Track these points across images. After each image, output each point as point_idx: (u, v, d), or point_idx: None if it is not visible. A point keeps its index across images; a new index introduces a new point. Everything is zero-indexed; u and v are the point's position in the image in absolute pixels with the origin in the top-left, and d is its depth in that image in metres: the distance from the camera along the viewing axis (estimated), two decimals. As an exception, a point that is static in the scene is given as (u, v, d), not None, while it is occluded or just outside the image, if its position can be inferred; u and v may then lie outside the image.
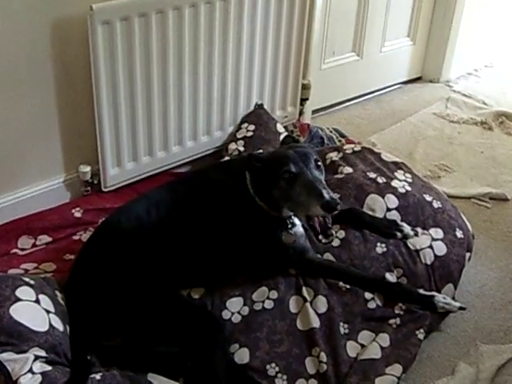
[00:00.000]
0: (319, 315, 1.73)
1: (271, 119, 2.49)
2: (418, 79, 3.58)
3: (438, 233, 1.96)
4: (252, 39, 2.37)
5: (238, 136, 2.43)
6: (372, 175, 2.10)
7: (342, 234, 1.92)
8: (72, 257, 1.91)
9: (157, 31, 2.06)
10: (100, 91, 2.02)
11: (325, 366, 1.62)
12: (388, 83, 3.41)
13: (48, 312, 1.53)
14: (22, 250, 1.98)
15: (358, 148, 2.30)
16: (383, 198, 2.02)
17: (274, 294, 1.76)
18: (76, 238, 2.04)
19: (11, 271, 1.84)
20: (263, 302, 1.75)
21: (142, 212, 1.77)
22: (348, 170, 2.17)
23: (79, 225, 2.08)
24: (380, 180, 2.08)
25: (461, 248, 1.95)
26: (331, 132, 2.79)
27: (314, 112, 3.00)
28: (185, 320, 1.62)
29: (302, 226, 1.80)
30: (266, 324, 1.70)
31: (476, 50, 3.62)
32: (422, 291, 1.83)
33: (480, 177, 2.66)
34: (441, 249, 1.92)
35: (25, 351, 1.42)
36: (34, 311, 1.51)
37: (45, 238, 2.02)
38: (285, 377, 1.61)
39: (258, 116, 2.48)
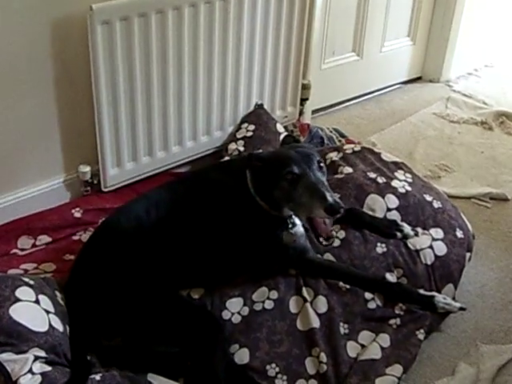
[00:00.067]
0: (319, 315, 1.73)
1: (271, 119, 2.49)
2: (418, 79, 3.57)
3: (438, 233, 1.96)
4: (252, 39, 2.37)
5: (238, 136, 2.43)
6: (372, 175, 2.10)
7: (342, 234, 1.92)
8: (72, 257, 1.91)
9: (156, 31, 2.06)
10: (100, 91, 2.02)
11: (325, 367, 1.62)
12: (388, 83, 3.41)
13: (48, 312, 1.53)
14: (22, 250, 1.98)
15: (357, 148, 2.30)
16: (383, 198, 2.01)
17: (274, 295, 1.76)
18: (76, 238, 2.04)
19: (11, 271, 1.84)
20: (263, 302, 1.75)
21: (142, 212, 1.77)
22: (348, 170, 2.17)
23: (79, 225, 2.08)
24: (380, 180, 2.08)
25: (461, 248, 1.95)
26: (331, 132, 2.79)
27: (313, 112, 3.00)
28: (185, 320, 1.62)
29: (303, 225, 1.79)
30: (266, 324, 1.70)
31: (476, 50, 3.62)
32: (422, 291, 1.82)
33: (480, 177, 2.66)
34: (441, 249, 1.92)
35: (24, 351, 1.41)
36: (34, 311, 1.50)
37: (45, 238, 2.02)
38: (285, 377, 1.61)
39: (257, 116, 2.48)
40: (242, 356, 1.64)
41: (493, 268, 2.12)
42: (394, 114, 3.18)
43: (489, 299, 1.98)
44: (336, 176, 2.13)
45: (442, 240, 1.94)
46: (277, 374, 1.61)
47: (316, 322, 1.71)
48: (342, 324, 1.73)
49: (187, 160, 2.40)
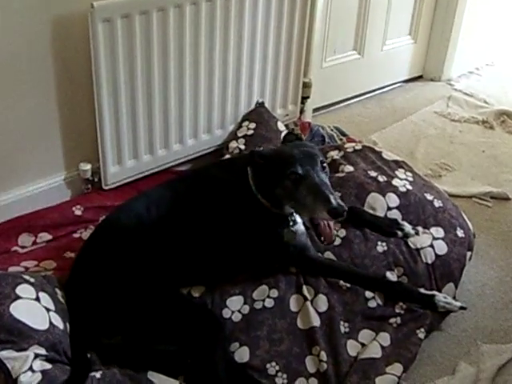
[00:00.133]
0: (319, 314, 1.73)
1: (272, 117, 2.49)
2: (419, 78, 3.57)
3: (438, 232, 1.96)
4: (253, 37, 2.37)
5: (239, 134, 2.43)
6: (373, 174, 2.10)
7: (342, 232, 1.92)
8: (72, 255, 1.91)
9: (158, 29, 2.05)
10: (100, 89, 2.01)
11: (325, 365, 1.62)
12: (389, 82, 3.41)
13: (48, 310, 1.53)
14: (23, 247, 1.98)
15: (358, 147, 2.30)
16: (384, 196, 2.01)
17: (275, 293, 1.76)
18: (76, 235, 2.04)
19: (11, 269, 1.84)
20: (263, 300, 1.75)
21: (143, 210, 1.77)
22: (349, 168, 2.16)
23: (80, 223, 2.08)
24: (381, 179, 2.08)
25: (462, 247, 1.95)
26: (332, 130, 2.79)
27: (314, 110, 2.99)
28: (185, 318, 1.62)
29: (303, 223, 1.79)
30: (267, 323, 1.70)
31: (477, 49, 3.62)
32: (422, 290, 1.82)
33: (481, 176, 2.65)
34: (442, 248, 1.92)
35: (25, 349, 1.42)
36: (34, 309, 1.50)
37: (45, 236, 2.02)
38: (285, 376, 1.61)
39: (258, 114, 2.48)
40: (242, 354, 1.64)
41: (493, 267, 2.12)
42: (395, 112, 3.18)
43: (489, 298, 1.98)
44: (337, 175, 2.13)
45: (442, 239, 1.94)
46: (277, 372, 1.61)
47: (316, 321, 1.71)
48: (342, 323, 1.73)
49: (188, 158, 2.40)
